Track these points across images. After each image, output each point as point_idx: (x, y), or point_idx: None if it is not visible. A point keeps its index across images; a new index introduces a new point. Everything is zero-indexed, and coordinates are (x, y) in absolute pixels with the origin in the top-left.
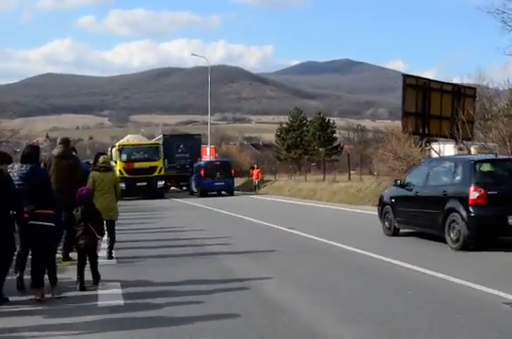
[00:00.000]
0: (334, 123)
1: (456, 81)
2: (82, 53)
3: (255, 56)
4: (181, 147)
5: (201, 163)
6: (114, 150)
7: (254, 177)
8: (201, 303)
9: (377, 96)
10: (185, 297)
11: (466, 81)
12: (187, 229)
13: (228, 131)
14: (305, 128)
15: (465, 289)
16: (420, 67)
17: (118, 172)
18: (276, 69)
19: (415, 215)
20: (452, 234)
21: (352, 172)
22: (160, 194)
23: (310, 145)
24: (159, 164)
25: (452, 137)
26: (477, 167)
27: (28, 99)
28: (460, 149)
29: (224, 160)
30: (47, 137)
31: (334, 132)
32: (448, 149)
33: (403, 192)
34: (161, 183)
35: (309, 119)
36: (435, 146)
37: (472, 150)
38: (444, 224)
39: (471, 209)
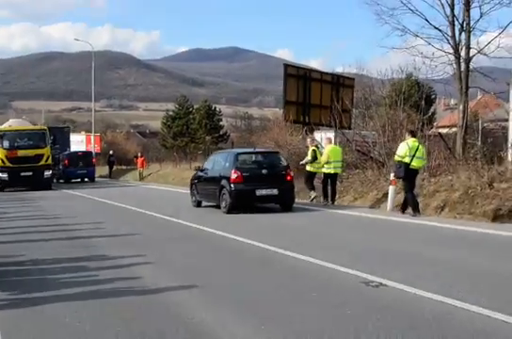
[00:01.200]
0: (221, 111)
1: (338, 70)
2: None
3: (142, 42)
4: (51, 139)
5: (66, 153)
6: None
7: (138, 165)
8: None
9: (265, 84)
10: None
11: (348, 70)
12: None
13: (114, 118)
14: (191, 116)
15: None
16: (306, 56)
17: None
18: (163, 55)
19: (206, 191)
20: (223, 203)
21: None
22: (47, 185)
23: (196, 133)
24: (46, 152)
25: (332, 125)
26: (238, 157)
27: None
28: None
29: (86, 151)
30: None
31: (220, 120)
32: (329, 137)
33: (201, 174)
34: (48, 173)
35: (196, 106)
36: (317, 134)
37: (308, 140)
38: (219, 196)
39: (232, 185)
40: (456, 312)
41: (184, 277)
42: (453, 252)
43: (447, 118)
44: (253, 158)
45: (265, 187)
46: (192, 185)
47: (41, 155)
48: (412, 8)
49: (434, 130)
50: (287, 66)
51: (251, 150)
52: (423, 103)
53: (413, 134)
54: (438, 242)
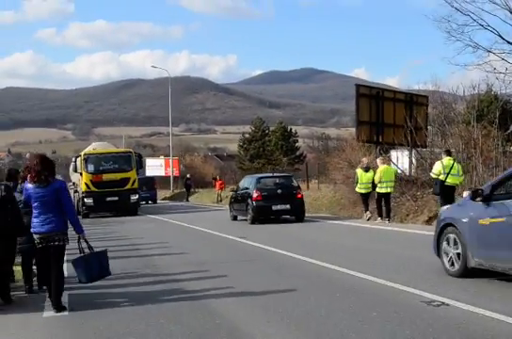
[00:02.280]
0: (296, 133)
1: (415, 88)
2: (43, 66)
3: (219, 67)
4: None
5: None
6: (79, 160)
7: (217, 188)
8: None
9: (341, 104)
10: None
11: (424, 88)
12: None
13: (192, 142)
14: (267, 138)
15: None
16: (382, 74)
17: (84, 186)
18: (240, 79)
19: (239, 207)
20: (248, 216)
21: (315, 181)
22: (133, 210)
23: (272, 155)
24: (132, 175)
25: (406, 144)
26: (259, 180)
27: None
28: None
29: (148, 176)
30: (9, 151)
31: (297, 141)
32: (406, 155)
33: (235, 194)
34: (135, 197)
35: (272, 128)
36: (393, 153)
37: (378, 161)
38: (246, 211)
39: (254, 202)
40: None
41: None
42: None
43: None
44: (270, 181)
45: (280, 203)
46: (230, 203)
47: (127, 179)
48: (484, 23)
49: None
50: (359, 86)
51: (270, 174)
52: (496, 119)
53: (449, 153)
54: None
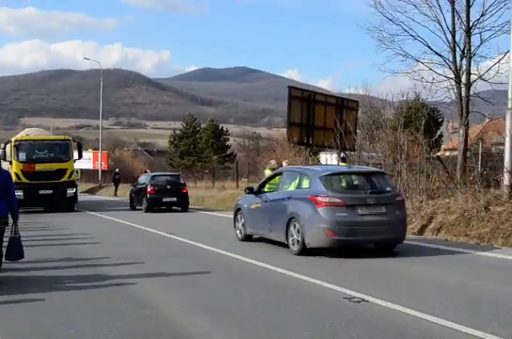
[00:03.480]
0: (228, 131)
1: (346, 92)
2: None
3: (152, 61)
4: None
5: None
6: (8, 146)
7: None
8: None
9: (273, 104)
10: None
11: (355, 92)
12: None
13: (122, 136)
14: (198, 135)
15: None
16: (315, 76)
17: (13, 176)
18: (173, 74)
19: (137, 198)
20: (143, 206)
21: (245, 180)
22: (70, 205)
23: (203, 152)
24: (70, 166)
25: (336, 147)
26: (153, 177)
27: None
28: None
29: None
30: None
31: (228, 139)
32: (334, 158)
33: (134, 188)
34: (71, 191)
35: (203, 126)
36: (322, 155)
37: (284, 164)
38: (142, 202)
39: (148, 195)
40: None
41: None
42: (433, 270)
43: (455, 140)
44: (163, 178)
45: (169, 196)
46: (130, 195)
47: (64, 170)
48: (414, 33)
49: (442, 153)
50: (292, 88)
51: (162, 173)
52: (421, 126)
53: (344, 160)
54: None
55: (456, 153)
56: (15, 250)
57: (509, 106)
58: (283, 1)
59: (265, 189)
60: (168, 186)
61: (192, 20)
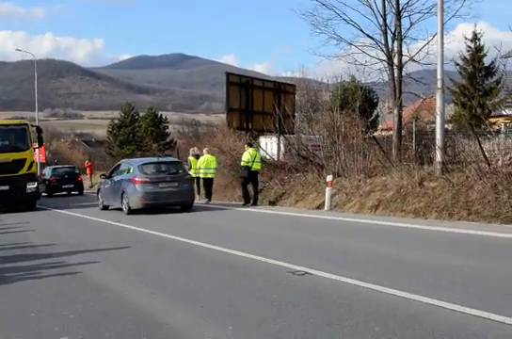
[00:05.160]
0: (167, 119)
1: (283, 75)
2: None
3: (84, 50)
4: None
5: None
6: None
7: (87, 171)
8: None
9: (211, 90)
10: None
11: (292, 75)
12: None
13: (59, 127)
14: (137, 124)
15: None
16: (251, 61)
17: None
18: (107, 63)
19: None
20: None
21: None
22: (31, 203)
23: (143, 141)
24: (28, 156)
25: (275, 131)
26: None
27: None
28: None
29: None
30: None
31: (167, 127)
32: (274, 142)
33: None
34: (32, 186)
35: (141, 114)
36: (262, 140)
37: (204, 151)
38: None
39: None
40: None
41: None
42: (368, 243)
43: (391, 120)
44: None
45: (66, 184)
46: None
47: (22, 161)
48: (346, 18)
49: (378, 133)
50: (229, 74)
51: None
52: (357, 108)
53: (251, 145)
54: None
55: (391, 132)
56: None
57: (438, 86)
58: None
59: (113, 175)
60: (66, 176)
61: (125, 7)
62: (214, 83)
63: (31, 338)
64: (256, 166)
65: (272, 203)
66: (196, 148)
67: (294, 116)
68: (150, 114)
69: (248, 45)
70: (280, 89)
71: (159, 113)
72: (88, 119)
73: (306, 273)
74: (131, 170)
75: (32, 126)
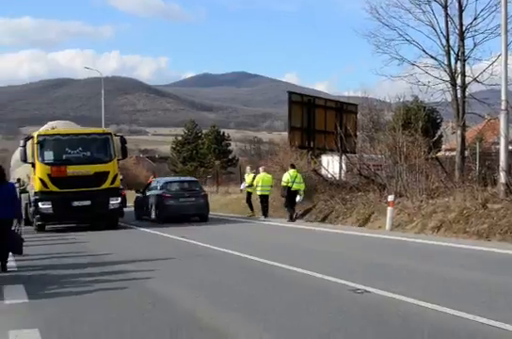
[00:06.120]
0: (229, 136)
1: (345, 94)
2: None
3: (149, 68)
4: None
5: None
6: (29, 144)
7: None
8: (104, 299)
9: (273, 108)
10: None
11: (354, 95)
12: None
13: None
14: (200, 141)
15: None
16: (312, 79)
17: (37, 183)
18: (171, 81)
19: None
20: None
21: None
22: (113, 220)
23: (205, 158)
24: (112, 168)
25: (337, 150)
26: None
27: None
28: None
29: None
30: None
31: (229, 144)
32: (336, 160)
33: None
34: (115, 201)
35: (204, 131)
36: (324, 158)
37: (260, 169)
38: None
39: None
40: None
41: None
42: (429, 264)
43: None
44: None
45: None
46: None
47: (105, 174)
48: (409, 38)
49: (442, 153)
50: (291, 93)
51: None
52: (419, 128)
53: (293, 166)
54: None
55: (455, 153)
56: (16, 246)
57: (503, 108)
58: (277, 5)
59: (146, 191)
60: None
61: (188, 26)
62: (276, 101)
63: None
64: (296, 186)
65: (333, 222)
66: (249, 167)
67: (356, 135)
68: (212, 131)
69: (310, 64)
70: (343, 109)
71: (222, 130)
72: (153, 135)
73: (365, 291)
74: (158, 187)
75: (115, 135)
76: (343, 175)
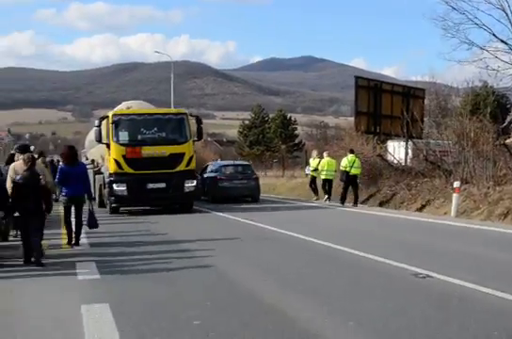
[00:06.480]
0: (296, 121)
1: (412, 79)
2: (42, 46)
3: (218, 52)
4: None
5: None
6: (104, 124)
7: None
8: (173, 281)
9: (340, 93)
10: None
11: (421, 80)
12: None
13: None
14: (267, 125)
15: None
16: (380, 64)
17: (112, 165)
18: (239, 65)
19: None
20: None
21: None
22: (188, 204)
23: (272, 142)
24: (187, 150)
25: (403, 135)
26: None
27: None
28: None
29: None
30: (9, 131)
31: (296, 129)
32: (402, 146)
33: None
34: (191, 184)
35: (271, 115)
36: (390, 144)
37: (325, 154)
38: None
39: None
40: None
41: None
42: (493, 250)
43: None
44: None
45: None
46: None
47: (180, 156)
48: (479, 22)
49: (510, 140)
50: (358, 78)
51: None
52: (487, 114)
53: (352, 151)
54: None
55: None
56: (93, 220)
57: None
58: None
59: (203, 173)
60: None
61: (256, 10)
62: (343, 86)
63: (166, 321)
64: (354, 171)
65: (398, 207)
66: (316, 151)
67: (422, 120)
68: (279, 116)
69: (377, 49)
70: (410, 94)
71: (288, 115)
72: (220, 119)
73: (428, 276)
74: (214, 170)
75: (191, 116)
76: (408, 161)
